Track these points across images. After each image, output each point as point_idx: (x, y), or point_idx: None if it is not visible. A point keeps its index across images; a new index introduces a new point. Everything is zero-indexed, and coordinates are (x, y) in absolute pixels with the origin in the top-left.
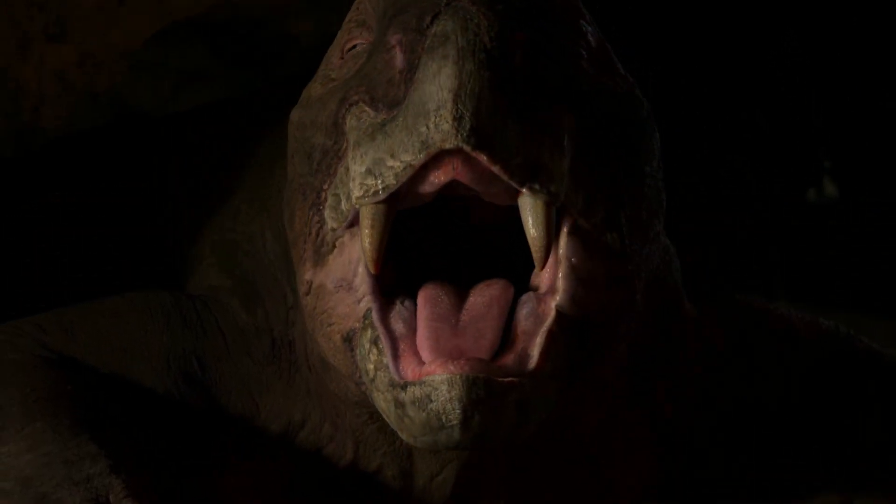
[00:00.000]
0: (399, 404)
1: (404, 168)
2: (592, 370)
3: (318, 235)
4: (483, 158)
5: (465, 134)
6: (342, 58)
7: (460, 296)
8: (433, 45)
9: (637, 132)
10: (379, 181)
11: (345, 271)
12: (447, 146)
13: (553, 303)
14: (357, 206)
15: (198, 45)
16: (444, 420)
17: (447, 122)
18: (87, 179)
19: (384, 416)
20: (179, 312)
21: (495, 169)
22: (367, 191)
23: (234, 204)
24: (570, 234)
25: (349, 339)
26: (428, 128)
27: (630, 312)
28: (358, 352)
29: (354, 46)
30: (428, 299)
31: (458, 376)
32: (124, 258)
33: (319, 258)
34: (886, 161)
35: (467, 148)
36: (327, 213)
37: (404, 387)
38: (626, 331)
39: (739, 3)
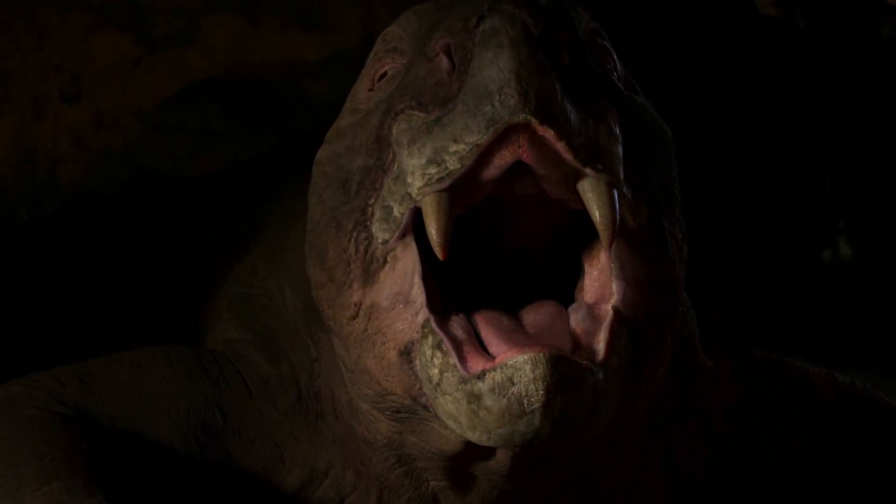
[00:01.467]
0: (474, 397)
1: (470, 149)
2: (643, 372)
3: (366, 253)
4: (549, 133)
5: (531, 107)
6: (371, 88)
7: (515, 317)
8: (485, 38)
9: (664, 152)
10: (442, 167)
11: (400, 284)
12: (516, 120)
13: (608, 305)
14: (418, 199)
15: (213, 106)
16: (525, 404)
17: (513, 97)
18: (104, 240)
19: (450, 423)
20: (200, 364)
21: (560, 146)
22: (429, 179)
23: (251, 261)
24: (619, 233)
25: (407, 352)
26: (493, 105)
27: (675, 318)
28: (419, 361)
29: (386, 73)
30: (487, 318)
31: (541, 355)
32: (140, 316)
33: (369, 276)
34: None
35: (535, 121)
36: (376, 227)
37: (481, 376)
38: (671, 337)
39: (746, 24)
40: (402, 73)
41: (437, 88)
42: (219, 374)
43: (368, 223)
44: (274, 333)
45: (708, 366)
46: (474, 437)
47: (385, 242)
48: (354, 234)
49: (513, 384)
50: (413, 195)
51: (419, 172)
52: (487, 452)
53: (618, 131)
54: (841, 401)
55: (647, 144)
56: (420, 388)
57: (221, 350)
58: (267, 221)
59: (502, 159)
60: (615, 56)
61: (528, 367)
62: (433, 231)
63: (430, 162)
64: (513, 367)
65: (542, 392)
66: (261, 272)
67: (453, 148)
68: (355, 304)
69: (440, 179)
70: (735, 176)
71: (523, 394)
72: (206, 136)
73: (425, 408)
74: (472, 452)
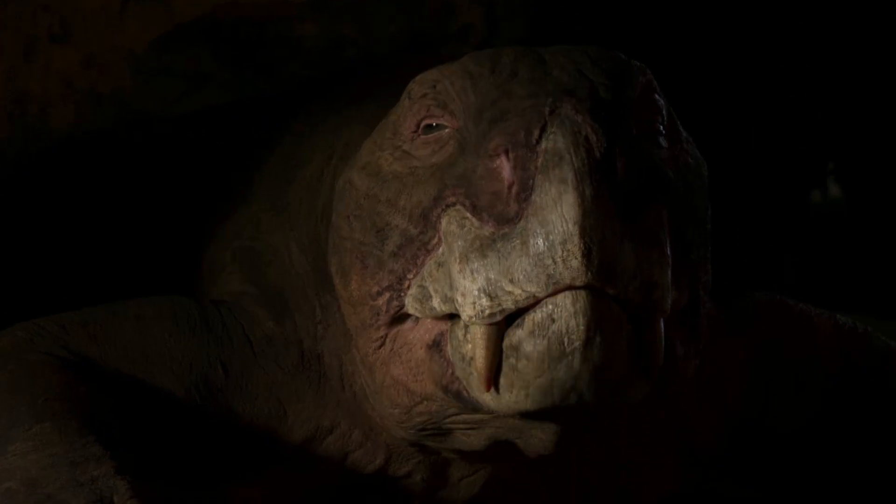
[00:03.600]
0: (512, 350)
1: (526, 297)
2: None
3: (396, 313)
4: (609, 291)
5: (594, 271)
6: (416, 132)
7: None
8: (547, 165)
9: (701, 200)
10: (496, 303)
11: (433, 329)
12: (577, 283)
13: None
14: (467, 322)
15: (202, 49)
16: (565, 343)
17: (576, 258)
18: (95, 182)
19: (485, 398)
20: (204, 319)
21: (612, 292)
22: (481, 312)
23: (253, 212)
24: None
25: (436, 343)
26: (555, 262)
27: (702, 341)
28: (450, 345)
29: (433, 126)
30: None
31: (581, 291)
32: (137, 260)
33: (397, 324)
34: (890, 162)
35: (597, 285)
36: (410, 302)
37: (521, 322)
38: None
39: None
40: (453, 146)
41: (493, 198)
42: (222, 330)
43: (403, 294)
44: (279, 291)
45: (713, 314)
46: (510, 401)
47: (417, 318)
48: (386, 295)
49: (553, 321)
50: (462, 318)
51: (471, 299)
52: (506, 450)
53: (668, 249)
54: (843, 345)
55: (687, 202)
56: (452, 373)
57: (226, 304)
58: (266, 169)
59: (553, 303)
60: (664, 107)
61: (568, 301)
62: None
63: (483, 292)
64: (552, 304)
65: (582, 327)
66: (265, 225)
67: (509, 288)
68: (381, 338)
69: (492, 315)
70: (724, 118)
71: (563, 330)
72: (196, 78)
73: (457, 395)
74: (491, 451)
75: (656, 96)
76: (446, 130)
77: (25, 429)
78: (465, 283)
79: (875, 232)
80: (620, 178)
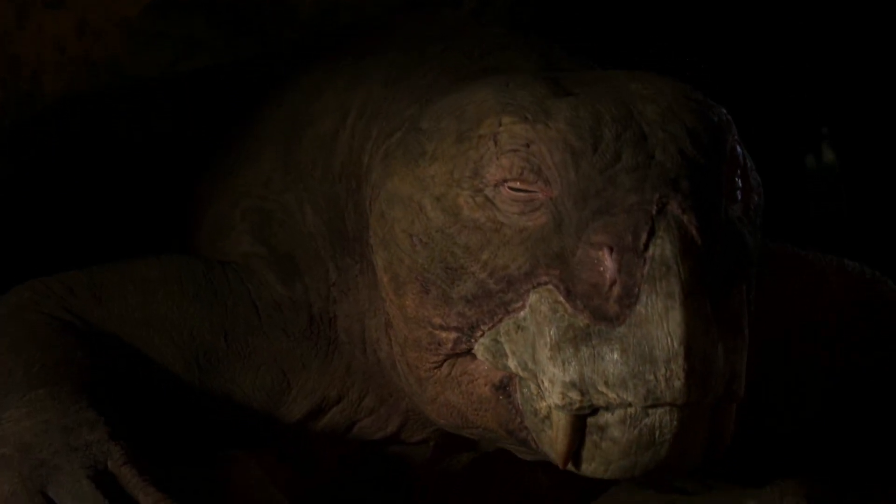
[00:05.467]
0: (597, 429)
1: (620, 403)
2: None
3: (461, 353)
4: (703, 401)
5: (694, 389)
6: (503, 184)
7: None
8: (654, 276)
9: (758, 224)
10: (586, 399)
11: (501, 371)
12: (678, 402)
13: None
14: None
15: (197, 14)
16: (656, 436)
17: (679, 379)
18: (95, 139)
19: (554, 455)
20: (210, 283)
21: (705, 401)
22: (569, 403)
23: (263, 170)
24: None
25: (503, 386)
26: (657, 378)
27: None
28: (520, 394)
29: (523, 191)
30: None
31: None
32: (144, 217)
33: (456, 356)
34: (885, 129)
35: (694, 400)
36: (480, 350)
37: (611, 407)
38: None
39: None
40: (546, 217)
41: (591, 290)
42: (228, 295)
43: (472, 340)
44: (290, 252)
45: None
46: (583, 469)
47: (486, 366)
48: (453, 335)
49: (647, 416)
50: (548, 403)
51: (559, 388)
52: None
53: (747, 332)
54: (852, 292)
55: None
56: (521, 422)
57: (234, 265)
58: (271, 126)
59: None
60: (741, 157)
61: (665, 412)
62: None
63: (573, 386)
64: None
65: (675, 423)
66: (275, 184)
67: (602, 389)
68: (439, 362)
69: (581, 408)
70: (717, 82)
71: (656, 425)
72: (190, 44)
73: (523, 442)
74: None
75: (738, 149)
76: (539, 195)
77: (20, 396)
78: (555, 371)
79: (869, 196)
80: (716, 268)
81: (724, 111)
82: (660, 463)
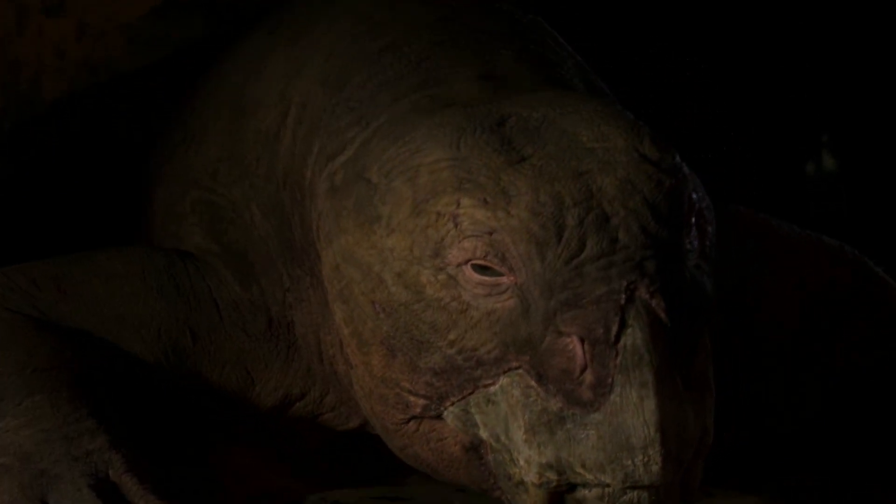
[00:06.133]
0: (575, 501)
1: (598, 484)
2: None
3: (430, 418)
4: (679, 475)
5: (671, 470)
6: (468, 263)
7: None
8: (627, 366)
9: (713, 254)
10: (563, 479)
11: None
12: (657, 484)
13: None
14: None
15: (197, 18)
16: None
17: (657, 464)
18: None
19: None
20: (173, 278)
21: (680, 470)
22: (546, 483)
23: (210, 157)
24: None
25: (474, 448)
26: (634, 464)
27: None
28: (493, 459)
29: (488, 269)
30: None
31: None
32: (105, 206)
33: (432, 421)
34: (884, 134)
35: (669, 479)
36: (450, 418)
37: (585, 485)
38: None
39: None
40: (517, 308)
41: (562, 375)
42: (190, 292)
43: (441, 408)
44: (243, 252)
45: None
46: None
47: (454, 429)
48: (422, 402)
49: (624, 494)
50: (524, 481)
51: (536, 469)
52: None
53: (713, 384)
54: (833, 270)
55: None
56: (494, 483)
57: (193, 259)
58: (217, 106)
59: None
60: (702, 203)
61: (644, 493)
62: None
63: (549, 467)
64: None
65: (652, 499)
66: (222, 177)
67: (580, 471)
68: (408, 420)
69: (558, 486)
70: (718, 88)
71: (634, 500)
72: (190, 46)
73: (496, 500)
74: None
75: (693, 196)
76: (505, 280)
77: (16, 403)
78: (531, 453)
79: (869, 203)
80: (683, 337)
81: (676, 159)
82: None
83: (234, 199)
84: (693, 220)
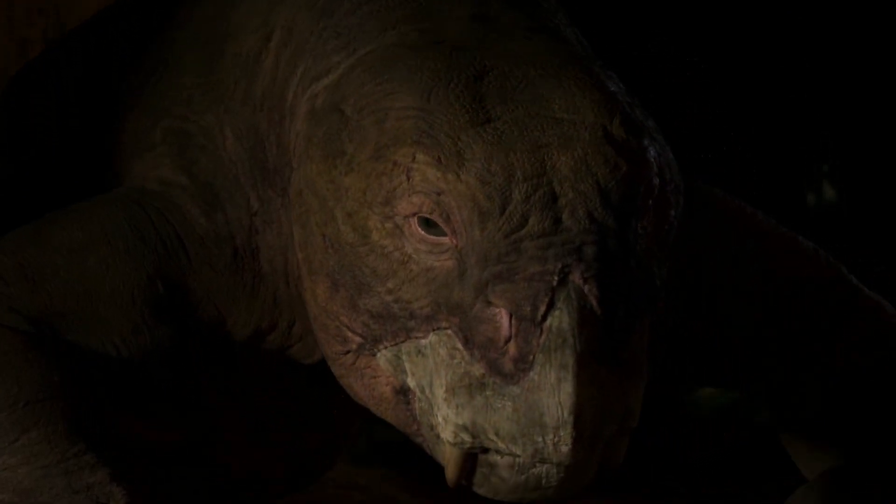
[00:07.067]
0: (488, 465)
1: (508, 452)
2: None
3: (366, 356)
4: (591, 456)
5: (581, 452)
6: (412, 216)
7: None
8: (549, 347)
9: (669, 237)
10: (476, 441)
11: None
12: (565, 464)
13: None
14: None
15: None
16: (543, 483)
17: (567, 444)
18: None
19: (447, 469)
20: (137, 231)
21: (595, 450)
22: (460, 442)
23: (185, 85)
24: None
25: (404, 392)
26: (545, 442)
27: None
28: (417, 406)
29: (433, 227)
30: None
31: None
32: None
33: (369, 357)
34: (886, 164)
35: (582, 458)
36: (382, 360)
37: (498, 451)
38: None
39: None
40: (453, 270)
41: (488, 343)
42: (156, 240)
43: (375, 350)
44: (211, 180)
45: None
46: (475, 489)
47: (386, 370)
48: (357, 340)
49: (534, 467)
50: (440, 437)
51: (451, 428)
52: None
53: (645, 368)
54: (803, 267)
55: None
56: (418, 429)
57: (156, 199)
58: (189, 34)
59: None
60: (665, 184)
61: (552, 469)
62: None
63: (465, 429)
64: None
65: (562, 475)
66: (196, 104)
67: (493, 437)
68: (347, 352)
69: (471, 448)
70: (718, 117)
71: (543, 475)
72: None
73: (419, 445)
74: None
75: (654, 181)
76: (446, 240)
77: (11, 440)
78: (449, 412)
79: (871, 234)
80: (617, 324)
81: (643, 141)
82: (547, 499)
83: (206, 125)
84: (650, 203)
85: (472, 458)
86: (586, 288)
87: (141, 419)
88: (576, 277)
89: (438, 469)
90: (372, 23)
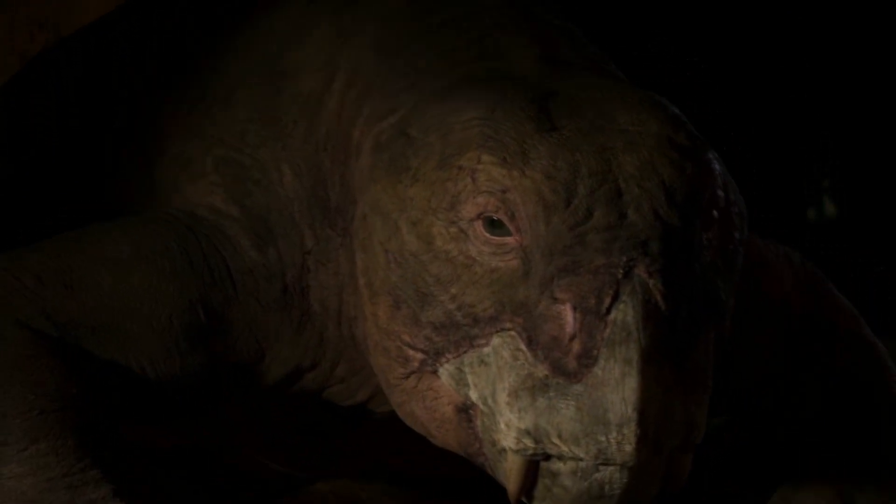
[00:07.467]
0: (549, 473)
1: (571, 456)
2: None
3: (427, 373)
4: (655, 460)
5: (645, 452)
6: (477, 219)
7: None
8: (614, 340)
9: (735, 261)
10: (539, 447)
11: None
12: (628, 464)
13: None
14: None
15: None
16: (606, 490)
17: (630, 444)
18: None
19: (509, 486)
20: (186, 255)
21: (658, 457)
22: (523, 449)
23: (238, 118)
24: None
25: (465, 409)
26: (608, 441)
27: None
28: (480, 422)
29: (497, 227)
30: None
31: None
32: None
33: (430, 374)
34: (886, 180)
35: (645, 461)
36: (444, 375)
37: (563, 457)
38: None
39: (743, 16)
40: (518, 269)
41: (552, 342)
42: (203, 266)
43: (437, 365)
44: (265, 214)
45: None
46: (536, 503)
47: (448, 387)
48: (420, 356)
49: (597, 471)
50: (503, 445)
51: (514, 433)
52: None
53: (710, 381)
54: (796, 288)
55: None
56: (479, 448)
57: (206, 226)
58: (245, 68)
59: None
60: (729, 199)
61: (615, 471)
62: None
63: (527, 433)
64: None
65: (625, 480)
66: (251, 138)
67: (556, 441)
68: (407, 374)
69: (534, 454)
70: (719, 134)
71: (606, 480)
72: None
73: (480, 466)
74: None
75: (718, 192)
76: (511, 240)
77: (20, 448)
78: (511, 417)
79: (870, 249)
80: (681, 326)
81: (707, 153)
82: None
83: (261, 160)
84: (715, 214)
85: (533, 468)
86: (651, 282)
87: (156, 430)
88: (641, 271)
89: (440, 484)
90: (440, 63)
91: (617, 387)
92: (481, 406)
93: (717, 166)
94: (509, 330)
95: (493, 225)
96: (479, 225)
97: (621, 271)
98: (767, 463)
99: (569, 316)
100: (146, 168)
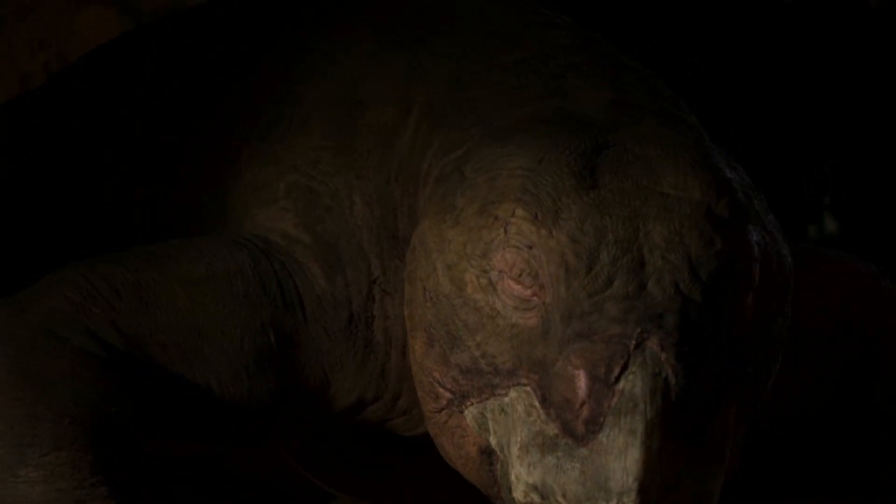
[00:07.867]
0: None
1: None
2: None
3: (455, 410)
4: None
5: None
6: (506, 272)
7: None
8: (619, 410)
9: (772, 330)
10: (545, 502)
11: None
12: None
13: None
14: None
15: None
16: None
17: None
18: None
19: None
20: (259, 279)
21: None
22: (530, 502)
23: (311, 146)
24: None
25: (488, 453)
26: None
27: None
28: (500, 469)
29: (521, 278)
30: None
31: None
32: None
33: (454, 408)
34: (887, 196)
35: None
36: (469, 417)
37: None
38: None
39: (744, 33)
40: (538, 327)
41: (564, 403)
42: (276, 292)
43: (463, 407)
44: (335, 242)
45: None
46: None
47: (473, 429)
48: (447, 395)
49: None
50: (511, 493)
51: (523, 487)
52: None
53: (729, 452)
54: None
55: (766, 352)
56: (498, 492)
57: (280, 253)
58: (317, 94)
59: None
60: (777, 301)
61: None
62: None
63: (535, 489)
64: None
65: None
66: (325, 165)
67: (560, 500)
68: (440, 409)
69: None
70: (718, 88)
71: None
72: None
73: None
74: None
75: (753, 266)
76: (534, 297)
77: (42, 453)
78: (521, 470)
79: (872, 265)
80: (695, 401)
81: (746, 225)
82: None
83: (334, 188)
84: (747, 286)
85: None
86: (663, 356)
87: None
88: (653, 344)
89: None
90: (508, 98)
91: (620, 456)
92: (499, 452)
93: (754, 238)
94: (525, 385)
95: (519, 281)
96: (506, 278)
97: (633, 342)
98: (769, 462)
99: (581, 381)
100: (209, 190)
